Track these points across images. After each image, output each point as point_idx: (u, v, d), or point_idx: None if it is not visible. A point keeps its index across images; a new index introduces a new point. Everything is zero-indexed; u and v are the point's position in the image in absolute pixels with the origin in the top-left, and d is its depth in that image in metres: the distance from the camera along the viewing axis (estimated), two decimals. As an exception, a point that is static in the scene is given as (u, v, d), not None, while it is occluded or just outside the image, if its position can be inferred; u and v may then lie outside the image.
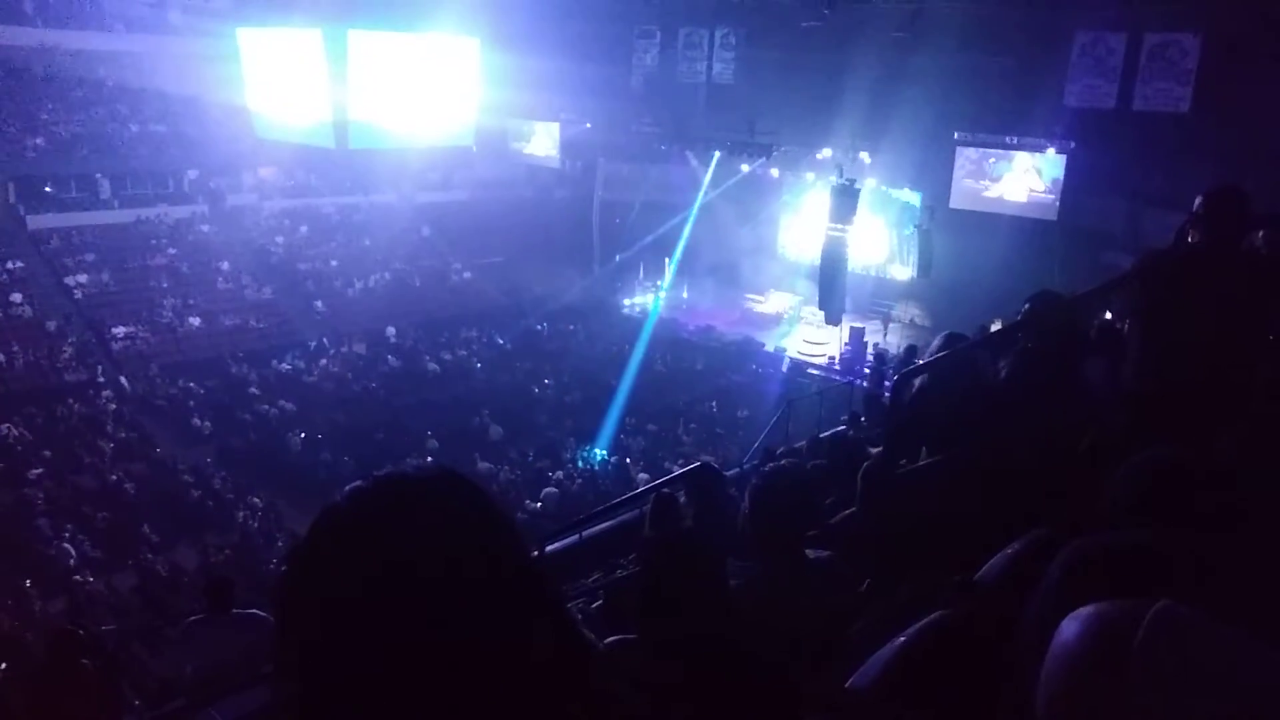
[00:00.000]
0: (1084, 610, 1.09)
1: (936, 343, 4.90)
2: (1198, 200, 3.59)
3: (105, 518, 16.49)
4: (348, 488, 0.95)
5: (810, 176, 24.76)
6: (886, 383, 13.99)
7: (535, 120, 28.19)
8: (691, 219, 27.55)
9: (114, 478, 18.17)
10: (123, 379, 23.03)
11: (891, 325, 23.45)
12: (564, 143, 27.94)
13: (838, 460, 7.37)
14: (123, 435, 20.33)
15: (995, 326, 7.85)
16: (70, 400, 21.34)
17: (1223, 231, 3.51)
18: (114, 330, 24.41)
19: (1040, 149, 18.51)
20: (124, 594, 14.38)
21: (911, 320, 23.94)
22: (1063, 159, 18.16)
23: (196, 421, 21.37)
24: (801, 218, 26.56)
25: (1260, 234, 4.11)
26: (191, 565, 15.04)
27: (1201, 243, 3.57)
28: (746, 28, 21.40)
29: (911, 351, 12.91)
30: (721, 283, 28.32)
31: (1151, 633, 0.99)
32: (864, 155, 21.25)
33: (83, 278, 25.87)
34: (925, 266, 22.61)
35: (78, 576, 14.24)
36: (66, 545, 14.93)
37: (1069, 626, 1.09)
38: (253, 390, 23.20)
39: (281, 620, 0.92)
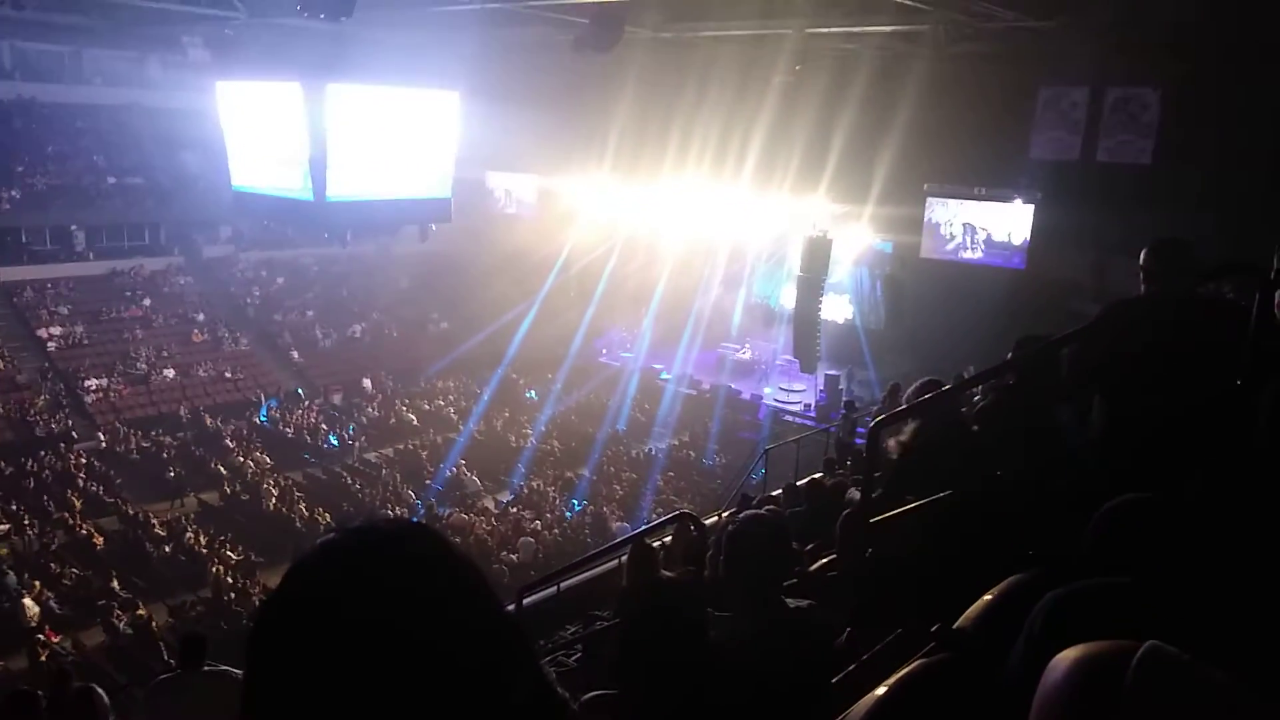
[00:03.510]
0: (1072, 651, 1.11)
1: (913, 388, 4.96)
2: (1143, 253, 3.69)
3: (74, 574, 16.15)
4: (319, 540, 0.94)
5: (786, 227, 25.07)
6: (860, 429, 14.08)
7: (514, 172, 28.50)
8: (669, 268, 27.73)
9: (83, 532, 17.84)
10: (100, 432, 22.73)
11: (861, 373, 23.65)
12: (542, 195, 28.23)
13: (815, 507, 7.39)
14: (94, 489, 20.01)
15: (968, 374, 7.94)
16: (41, 453, 21.00)
17: (1169, 281, 3.61)
18: (86, 383, 24.13)
19: (1008, 200, 18.88)
20: (90, 651, 14.05)
21: (883, 368, 24.12)
22: (1030, 209, 18.53)
23: (170, 474, 21.09)
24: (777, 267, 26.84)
25: (1224, 284, 4.22)
26: (162, 622, 14.73)
27: (1154, 292, 3.66)
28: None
29: (894, 391, 13.00)
30: (699, 330, 28.46)
31: (1142, 672, 1.00)
32: (838, 206, 21.57)
33: (56, 329, 25.63)
34: (895, 315, 22.90)
35: (40, 635, 13.88)
36: (27, 601, 14.54)
37: (1058, 667, 1.11)
38: (227, 442, 22.96)
39: (251, 674, 0.89)
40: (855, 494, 5.62)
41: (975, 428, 4.85)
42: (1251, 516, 2.35)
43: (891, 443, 4.49)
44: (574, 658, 5.88)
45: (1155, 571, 1.95)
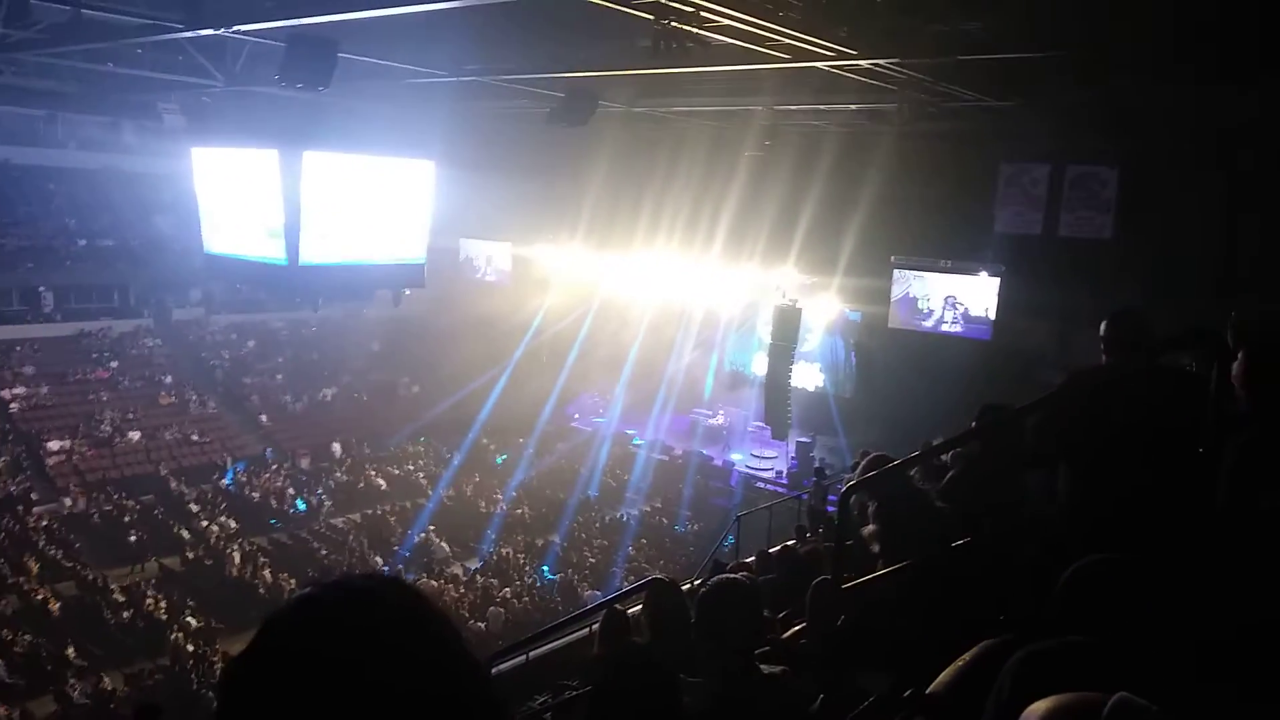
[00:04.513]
0: (1044, 703, 1.15)
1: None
2: (1103, 324, 3.82)
3: (27, 640, 15.65)
4: (295, 594, 0.95)
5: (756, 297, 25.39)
6: (831, 497, 14.10)
7: (488, 240, 28.75)
8: (641, 335, 27.90)
9: (39, 598, 17.33)
10: (61, 495, 22.23)
11: (831, 440, 23.80)
12: (516, 262, 28.46)
13: (788, 575, 7.38)
14: (52, 552, 19.49)
15: (936, 442, 8.02)
16: (2, 516, 20.43)
17: (1129, 351, 3.72)
18: (49, 444, 23.67)
19: (974, 272, 19.29)
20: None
21: (853, 435, 24.28)
22: (996, 282, 18.93)
23: (131, 538, 20.61)
24: (749, 334, 27.13)
25: (1183, 354, 4.35)
26: (118, 690, 14.27)
27: (1115, 362, 3.77)
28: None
29: (878, 461, 13.06)
30: (671, 396, 28.54)
31: None
32: (807, 277, 21.93)
33: (19, 390, 25.21)
34: (865, 383, 23.15)
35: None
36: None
37: (1030, 717, 1.14)
38: (191, 506, 22.53)
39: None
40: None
41: (937, 500, 4.93)
42: (1214, 576, 2.41)
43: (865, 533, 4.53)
44: (544, 728, 5.78)
45: (1120, 629, 1.99)
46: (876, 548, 4.30)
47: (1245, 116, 13.41)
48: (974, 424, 5.13)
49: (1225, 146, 14.49)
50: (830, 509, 12.98)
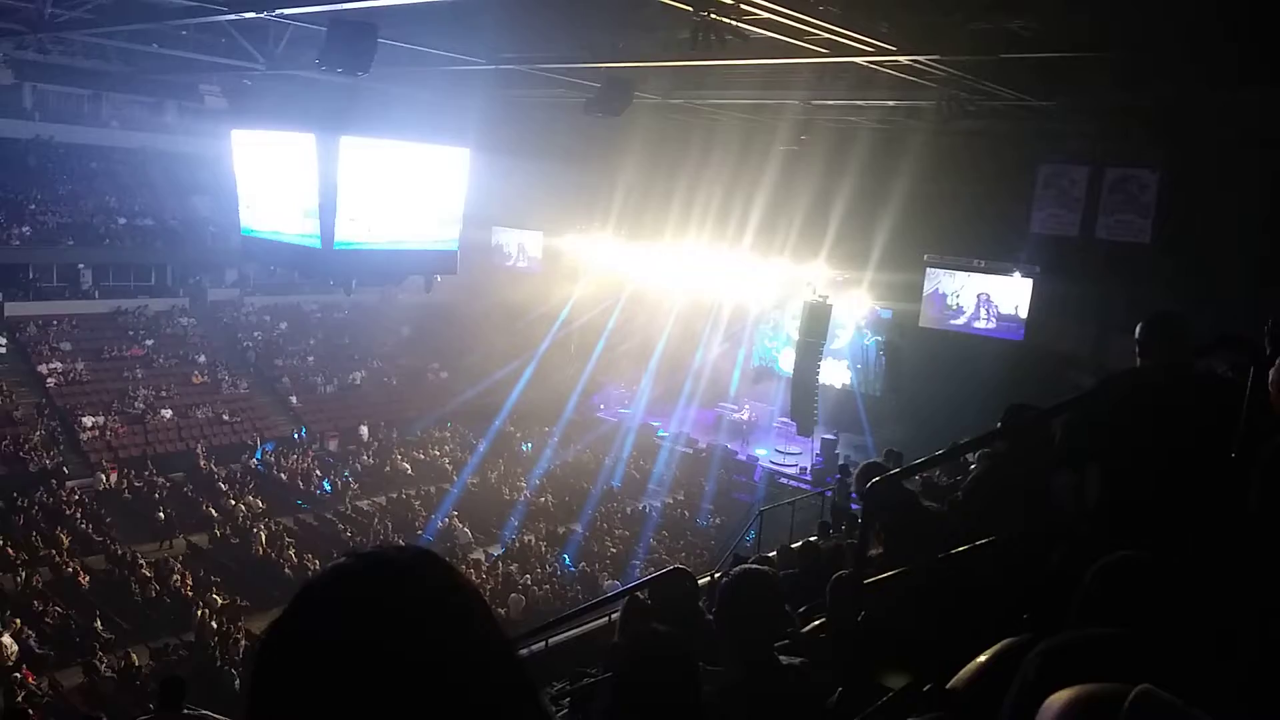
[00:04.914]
0: (1066, 692, 1.14)
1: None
2: (1139, 327, 3.78)
3: (58, 612, 15.96)
4: (331, 563, 0.95)
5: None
6: (854, 494, 14.03)
7: (520, 229, 28.87)
8: (669, 327, 27.90)
9: (69, 570, 17.66)
10: (94, 471, 22.63)
11: (854, 438, 23.69)
12: (546, 251, 28.57)
13: (809, 571, 7.36)
14: (83, 526, 19.85)
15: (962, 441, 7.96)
16: (36, 489, 20.87)
17: (1164, 355, 3.68)
18: (83, 420, 24.09)
19: (1007, 273, 19.10)
20: (68, 693, 13.83)
21: (880, 434, 24.14)
22: (1029, 283, 18.73)
23: (160, 515, 20.94)
24: (777, 329, 27.06)
25: (1218, 360, 4.29)
26: (144, 664, 14.52)
27: (1150, 366, 3.73)
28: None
29: (895, 458, 13.00)
30: (698, 389, 28.54)
31: (1135, 712, 1.04)
32: (839, 273, 21.82)
33: (56, 365, 25.66)
34: (894, 382, 22.98)
35: (16, 674, 13.67)
36: (6, 639, 14.33)
37: (1052, 707, 1.14)
38: (220, 485, 22.85)
39: (254, 690, 0.89)
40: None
41: (933, 504, 4.92)
42: (1242, 575, 2.39)
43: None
44: (561, 713, 5.81)
45: (1146, 623, 1.99)
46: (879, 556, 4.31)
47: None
48: (1000, 424, 5.09)
49: (1267, 151, 14.23)
50: (854, 506, 12.93)
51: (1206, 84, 11.89)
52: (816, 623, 5.37)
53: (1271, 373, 3.12)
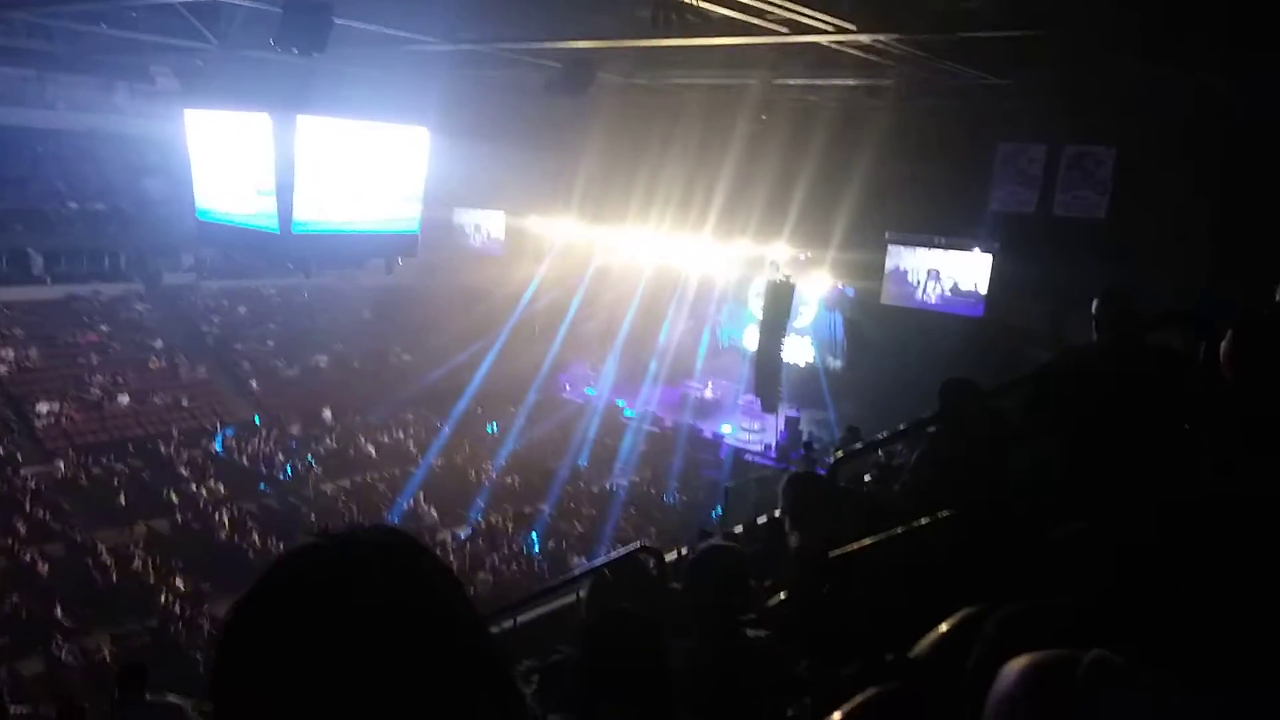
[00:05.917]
0: (1021, 660, 1.18)
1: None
2: (1094, 302, 3.86)
3: (15, 601, 15.71)
4: (298, 543, 0.94)
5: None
6: (819, 470, 14.19)
7: (481, 209, 28.60)
8: (633, 306, 27.90)
9: (27, 558, 17.38)
10: (58, 460, 22.21)
11: (816, 414, 23.93)
12: (509, 231, 28.35)
13: (774, 546, 7.44)
14: (40, 514, 19.51)
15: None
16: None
17: (1118, 329, 3.77)
18: (37, 407, 23.61)
19: (967, 249, 19.30)
20: (27, 682, 13.65)
21: (841, 409, 24.41)
22: (989, 259, 18.95)
23: (121, 501, 20.63)
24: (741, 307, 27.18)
25: (1171, 332, 4.40)
26: (106, 651, 14.35)
27: (1104, 340, 3.82)
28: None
29: (854, 434, 13.17)
30: (663, 368, 28.60)
31: (1090, 678, 1.07)
32: (800, 252, 21.92)
33: (8, 353, 25.10)
34: (855, 359, 23.23)
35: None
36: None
37: (1008, 675, 1.17)
38: (181, 470, 22.55)
39: (218, 676, 0.88)
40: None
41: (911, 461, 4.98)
42: (1200, 544, 2.46)
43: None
44: (531, 690, 5.85)
45: (1100, 592, 2.04)
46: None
47: (1241, 100, 13.40)
48: (939, 400, 5.18)
49: (1219, 130, 14.47)
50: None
51: (1162, 62, 12.05)
52: (781, 597, 5.44)
53: (1223, 345, 3.20)
